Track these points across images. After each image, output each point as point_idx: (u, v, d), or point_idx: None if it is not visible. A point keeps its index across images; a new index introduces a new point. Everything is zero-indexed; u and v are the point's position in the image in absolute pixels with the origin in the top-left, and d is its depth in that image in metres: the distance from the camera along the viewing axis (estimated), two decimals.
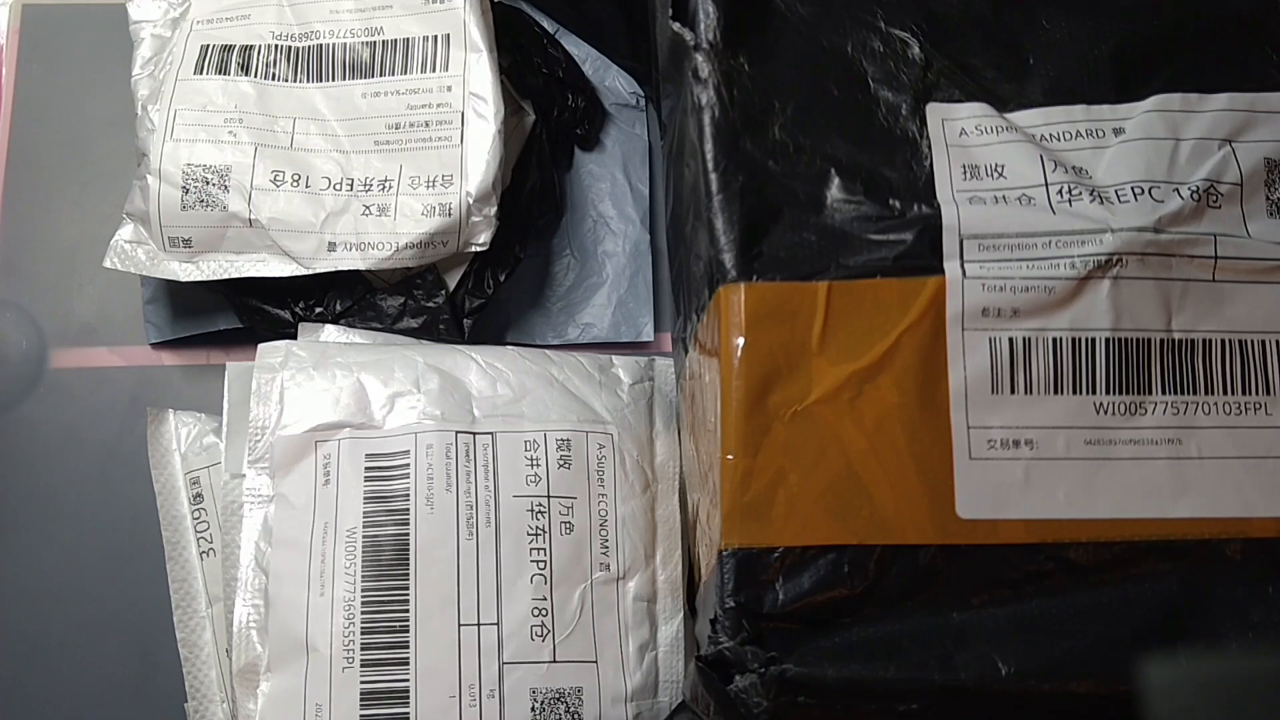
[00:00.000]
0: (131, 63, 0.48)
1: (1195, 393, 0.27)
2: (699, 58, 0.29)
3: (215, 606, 0.42)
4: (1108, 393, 0.27)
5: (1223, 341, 0.27)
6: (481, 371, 0.43)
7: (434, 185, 0.45)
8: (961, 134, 0.28)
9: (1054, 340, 0.27)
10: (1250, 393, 0.27)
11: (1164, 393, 0.27)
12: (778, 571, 0.27)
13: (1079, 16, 0.30)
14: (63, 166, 0.51)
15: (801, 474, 0.27)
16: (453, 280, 0.46)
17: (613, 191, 0.50)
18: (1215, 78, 0.29)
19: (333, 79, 0.47)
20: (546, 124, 0.49)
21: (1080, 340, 0.27)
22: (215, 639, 0.42)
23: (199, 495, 0.44)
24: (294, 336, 0.45)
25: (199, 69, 0.47)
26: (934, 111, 0.29)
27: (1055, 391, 0.27)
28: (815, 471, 0.27)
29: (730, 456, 0.27)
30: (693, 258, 0.31)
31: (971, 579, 0.27)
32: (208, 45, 0.47)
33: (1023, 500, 0.27)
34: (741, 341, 0.27)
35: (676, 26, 0.29)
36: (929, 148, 0.28)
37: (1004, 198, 0.27)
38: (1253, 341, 0.27)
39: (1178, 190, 0.27)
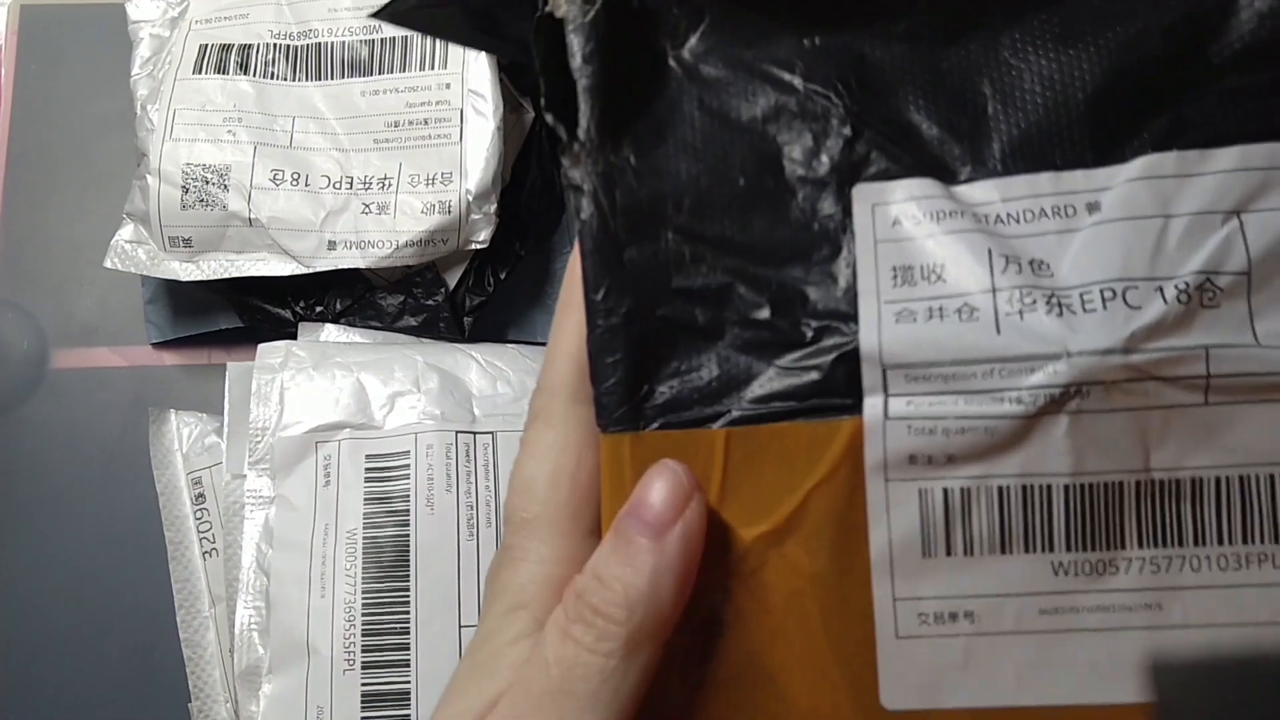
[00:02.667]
0: (130, 62, 0.48)
1: (1181, 545, 0.22)
2: (566, 163, 0.23)
3: (218, 606, 0.42)
4: (1068, 550, 0.22)
5: (1217, 480, 0.22)
6: (482, 370, 0.43)
7: (433, 183, 0.44)
8: (895, 224, 0.22)
9: (1000, 490, 0.22)
10: (1253, 541, 0.22)
11: (1140, 546, 0.22)
12: None
13: (1053, 49, 0.23)
14: (63, 167, 0.51)
15: (699, 660, 0.22)
16: (453, 278, 0.46)
17: None
18: (1223, 127, 0.22)
19: (332, 77, 0.47)
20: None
21: (1032, 489, 0.22)
22: (219, 639, 0.42)
23: (201, 495, 0.44)
24: (294, 335, 0.45)
25: (198, 68, 0.47)
26: (862, 195, 0.23)
27: (1002, 551, 0.22)
28: (715, 657, 0.22)
29: None
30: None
31: None
32: (206, 44, 0.47)
33: (962, 685, 0.22)
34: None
35: (549, 119, 0.23)
36: (852, 246, 0.22)
37: (940, 311, 0.22)
38: (1258, 477, 0.22)
39: (1160, 290, 0.21)
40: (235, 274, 0.45)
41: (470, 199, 0.44)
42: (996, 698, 0.22)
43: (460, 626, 0.38)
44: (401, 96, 0.46)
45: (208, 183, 0.44)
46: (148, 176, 0.45)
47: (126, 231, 0.45)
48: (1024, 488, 0.22)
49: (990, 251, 0.22)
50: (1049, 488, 0.22)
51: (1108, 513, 0.22)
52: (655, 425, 0.23)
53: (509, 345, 0.45)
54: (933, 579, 0.22)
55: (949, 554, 0.22)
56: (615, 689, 0.21)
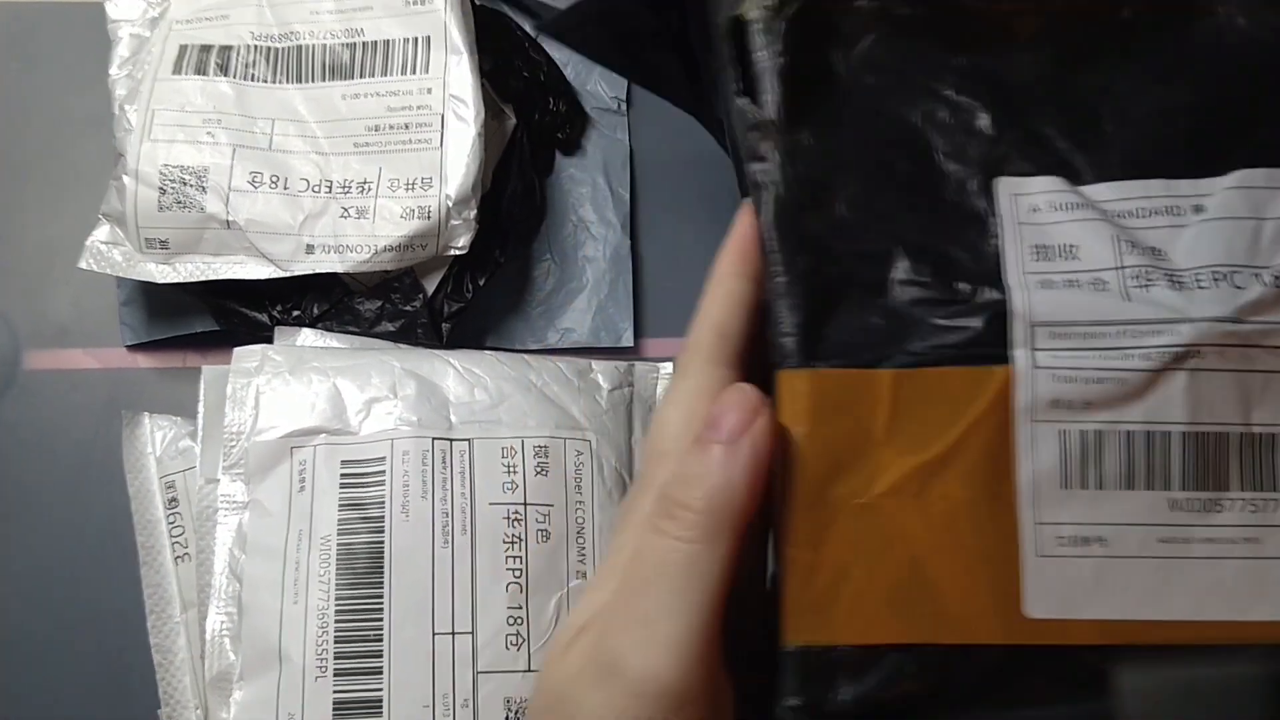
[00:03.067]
0: (109, 62, 0.48)
1: (1275, 490, 0.26)
2: (759, 135, 0.28)
3: (189, 612, 0.42)
4: (1183, 489, 0.26)
5: None
6: (459, 377, 0.42)
7: (413, 188, 0.44)
8: (1033, 211, 0.27)
9: (1127, 434, 0.26)
10: None
11: (1242, 489, 0.26)
12: (841, 670, 0.26)
13: (1160, 81, 0.28)
14: (39, 166, 0.50)
15: (866, 569, 0.26)
16: (431, 284, 0.46)
17: (593, 196, 0.50)
18: None
19: (312, 80, 0.47)
20: (527, 128, 0.49)
21: (1154, 435, 0.26)
22: (189, 645, 0.42)
23: (174, 500, 0.44)
24: (271, 339, 0.45)
25: (177, 69, 0.46)
26: (1004, 186, 0.27)
27: (1128, 487, 0.26)
28: (880, 567, 0.26)
29: (793, 550, 0.26)
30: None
31: (1041, 679, 0.26)
32: (186, 45, 0.47)
33: (1093, 600, 0.26)
34: (803, 431, 0.26)
35: (743, 103, 0.28)
36: (998, 226, 0.27)
37: (1076, 282, 0.26)
38: None
39: (1259, 275, 0.26)
40: (212, 277, 0.44)
41: (450, 204, 0.44)
42: (1122, 611, 0.26)
43: (434, 634, 0.38)
44: (382, 100, 0.46)
45: (185, 184, 0.44)
46: (125, 177, 0.44)
47: (102, 232, 0.45)
48: (1148, 433, 0.26)
49: (1115, 237, 0.27)
50: (1168, 434, 0.26)
51: (1216, 458, 0.26)
52: (828, 365, 0.27)
53: (487, 352, 0.45)
54: (1069, 507, 0.26)
55: (1083, 487, 0.26)
56: (699, 574, 0.24)
